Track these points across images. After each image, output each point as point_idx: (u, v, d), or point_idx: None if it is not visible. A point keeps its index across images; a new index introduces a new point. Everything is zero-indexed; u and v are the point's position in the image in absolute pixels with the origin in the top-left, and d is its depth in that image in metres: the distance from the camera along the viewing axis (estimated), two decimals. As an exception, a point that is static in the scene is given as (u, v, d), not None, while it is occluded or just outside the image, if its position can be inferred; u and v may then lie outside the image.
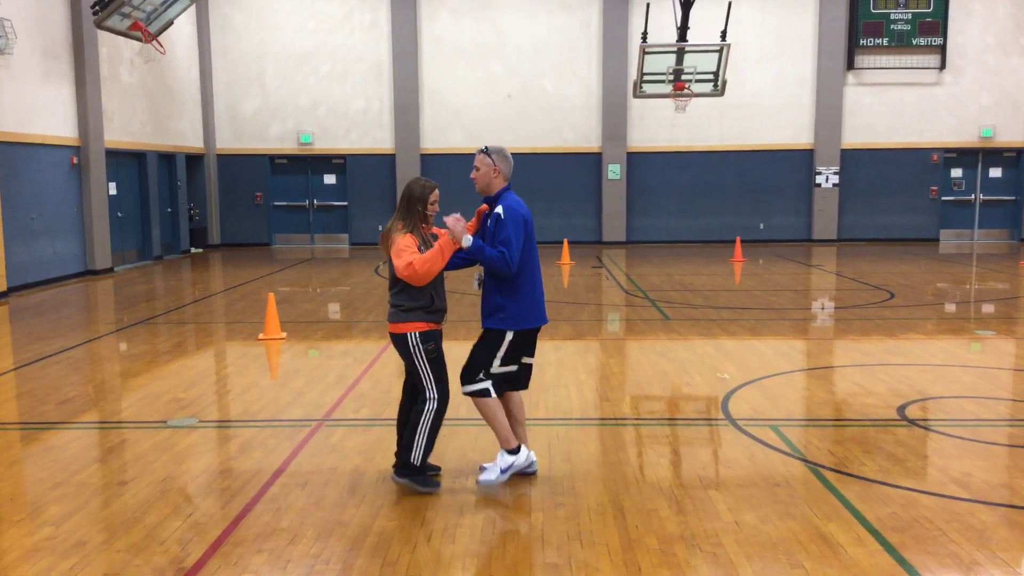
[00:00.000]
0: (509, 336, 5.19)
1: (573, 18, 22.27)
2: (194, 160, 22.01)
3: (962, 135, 22.46)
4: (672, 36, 18.28)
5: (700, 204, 22.81)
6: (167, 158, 20.44)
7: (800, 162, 22.61)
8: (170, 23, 16.74)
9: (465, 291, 12.94)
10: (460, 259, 5.31)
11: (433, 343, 5.16)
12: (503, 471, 5.29)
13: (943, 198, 22.93)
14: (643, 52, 17.78)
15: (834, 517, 4.85)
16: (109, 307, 13.57)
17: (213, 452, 6.27)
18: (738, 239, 20.03)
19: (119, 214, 18.23)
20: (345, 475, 5.59)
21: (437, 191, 5.25)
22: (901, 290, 13.92)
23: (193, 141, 21.75)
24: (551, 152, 22.23)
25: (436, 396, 5.19)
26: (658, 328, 10.78)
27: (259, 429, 6.66)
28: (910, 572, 4.21)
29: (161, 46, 16.71)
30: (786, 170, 22.63)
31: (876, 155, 22.57)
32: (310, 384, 8.05)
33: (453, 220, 4.96)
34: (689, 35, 17.87)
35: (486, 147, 5.33)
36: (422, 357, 5.14)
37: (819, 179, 22.50)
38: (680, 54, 18.01)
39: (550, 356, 8.93)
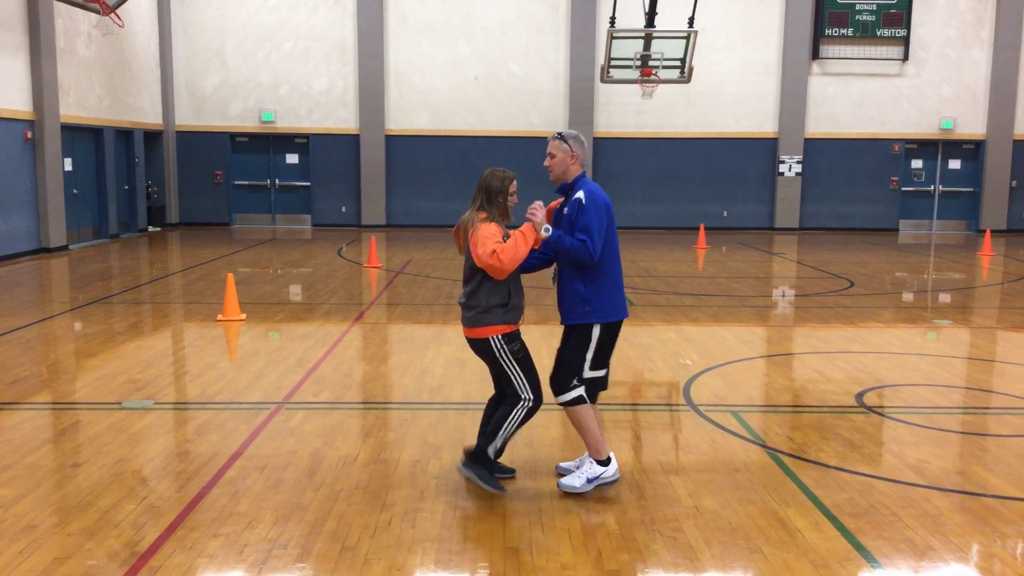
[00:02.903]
0: (597, 331, 4.85)
1: (541, 1, 22.15)
2: (152, 136, 21.58)
3: (923, 126, 22.78)
4: (640, 21, 18.27)
5: (665, 191, 22.90)
6: (125, 134, 20.01)
7: (764, 150, 22.78)
8: (129, -5, 16.36)
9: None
10: (536, 259, 5.06)
11: (518, 343, 4.85)
12: (589, 480, 4.95)
13: (903, 188, 23.27)
14: (611, 37, 17.75)
15: (792, 502, 4.90)
16: (63, 286, 13.28)
17: (169, 434, 6.15)
18: (702, 226, 20.15)
19: (75, 191, 17.83)
20: (304, 459, 5.53)
21: (516, 182, 4.93)
22: (860, 279, 14.11)
23: (152, 117, 21.32)
24: (518, 136, 22.14)
25: (531, 397, 4.87)
26: (621, 313, 10.80)
27: (217, 412, 6.56)
28: (866, 557, 4.26)
29: (119, 19, 16.32)
30: (750, 158, 22.79)
31: (839, 145, 22.81)
32: (270, 366, 7.94)
33: (535, 208, 4.72)
34: (657, 21, 17.87)
35: (560, 132, 4.98)
36: (510, 360, 4.82)
37: (782, 168, 22.70)
38: (648, 40, 18.01)
39: (513, 340, 8.89)
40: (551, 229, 4.76)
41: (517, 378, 4.86)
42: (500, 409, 4.94)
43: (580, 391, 4.91)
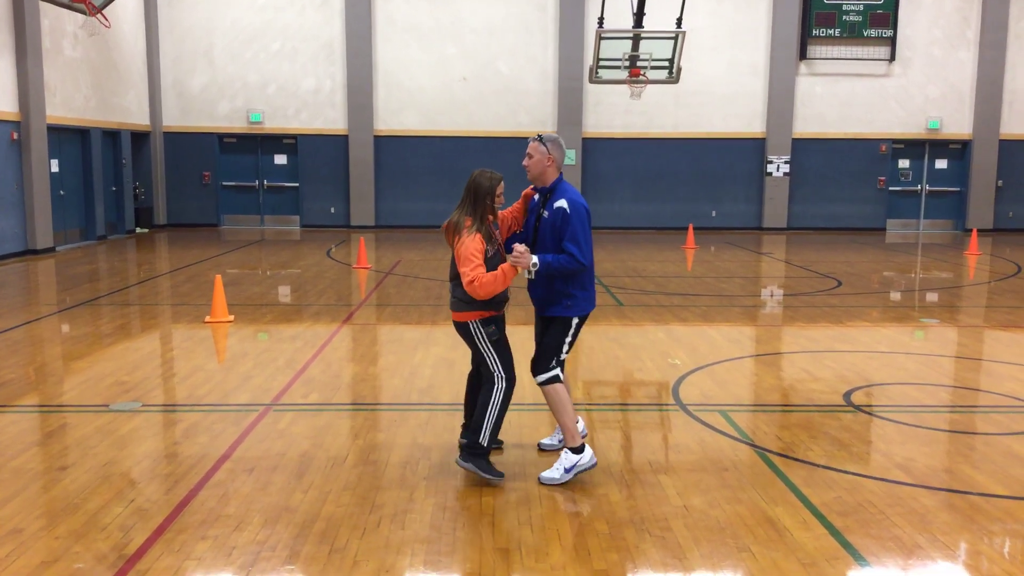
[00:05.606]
0: (576, 321, 5.27)
1: (529, 1, 22.15)
2: (140, 137, 21.48)
3: (910, 126, 22.90)
4: (628, 22, 18.29)
5: (654, 191, 22.94)
6: (112, 135, 19.91)
7: (752, 150, 22.85)
8: (115, -4, 16.27)
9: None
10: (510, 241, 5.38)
11: (494, 326, 5.19)
12: (567, 470, 5.16)
13: (890, 188, 23.38)
14: (599, 37, 17.77)
15: (780, 501, 4.92)
16: (50, 287, 13.20)
17: (157, 437, 6.13)
18: (691, 226, 20.20)
19: (61, 192, 17.73)
20: (293, 460, 5.51)
21: (503, 183, 5.21)
22: (848, 278, 14.17)
23: (139, 118, 21.22)
24: (506, 136, 22.13)
25: (504, 376, 5.18)
26: (611, 314, 10.82)
27: (205, 413, 6.53)
28: (854, 555, 4.28)
29: (106, 19, 16.23)
30: (738, 158, 22.85)
31: (826, 145, 22.90)
32: (258, 368, 7.92)
33: (518, 253, 4.93)
34: (645, 21, 17.89)
35: (540, 135, 5.32)
36: (485, 341, 5.17)
37: (770, 168, 22.77)
38: (636, 40, 18.03)
39: (503, 341, 8.89)
40: (538, 263, 5.00)
41: (491, 359, 5.19)
42: (479, 398, 5.23)
43: (556, 371, 5.26)
